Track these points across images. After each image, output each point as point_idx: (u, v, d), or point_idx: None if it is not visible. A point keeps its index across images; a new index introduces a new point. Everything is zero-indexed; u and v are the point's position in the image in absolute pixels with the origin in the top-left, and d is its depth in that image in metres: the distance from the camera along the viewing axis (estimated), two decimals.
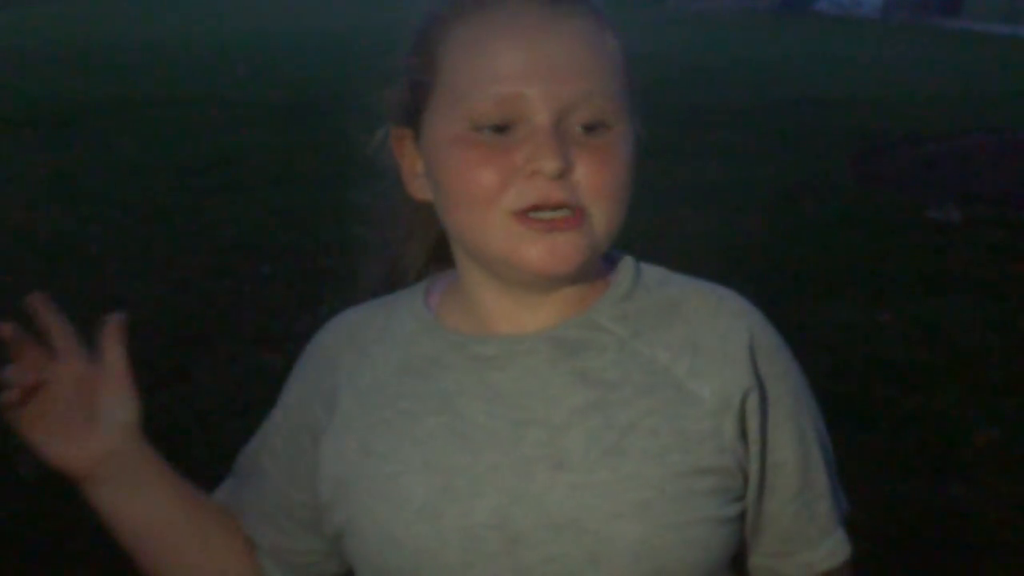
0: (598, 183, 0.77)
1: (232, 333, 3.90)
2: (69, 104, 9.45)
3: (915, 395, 3.40)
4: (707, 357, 0.82)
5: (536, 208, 0.76)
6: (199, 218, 5.73)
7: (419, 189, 0.84)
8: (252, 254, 4.87)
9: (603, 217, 0.78)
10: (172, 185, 6.57)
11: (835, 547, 0.87)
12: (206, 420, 3.20)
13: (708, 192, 5.76)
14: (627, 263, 0.86)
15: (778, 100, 10.46)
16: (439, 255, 0.91)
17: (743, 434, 0.81)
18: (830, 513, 0.87)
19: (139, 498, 0.87)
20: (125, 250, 5.06)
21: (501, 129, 0.77)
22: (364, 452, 0.82)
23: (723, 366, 0.82)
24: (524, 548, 0.76)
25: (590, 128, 0.78)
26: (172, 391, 3.42)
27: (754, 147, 7.51)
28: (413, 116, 0.82)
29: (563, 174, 0.76)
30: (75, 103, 9.50)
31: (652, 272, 0.87)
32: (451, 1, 0.81)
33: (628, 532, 0.76)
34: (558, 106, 0.76)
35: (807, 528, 0.85)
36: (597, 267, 0.84)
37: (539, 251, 0.76)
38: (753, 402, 0.82)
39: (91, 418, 0.84)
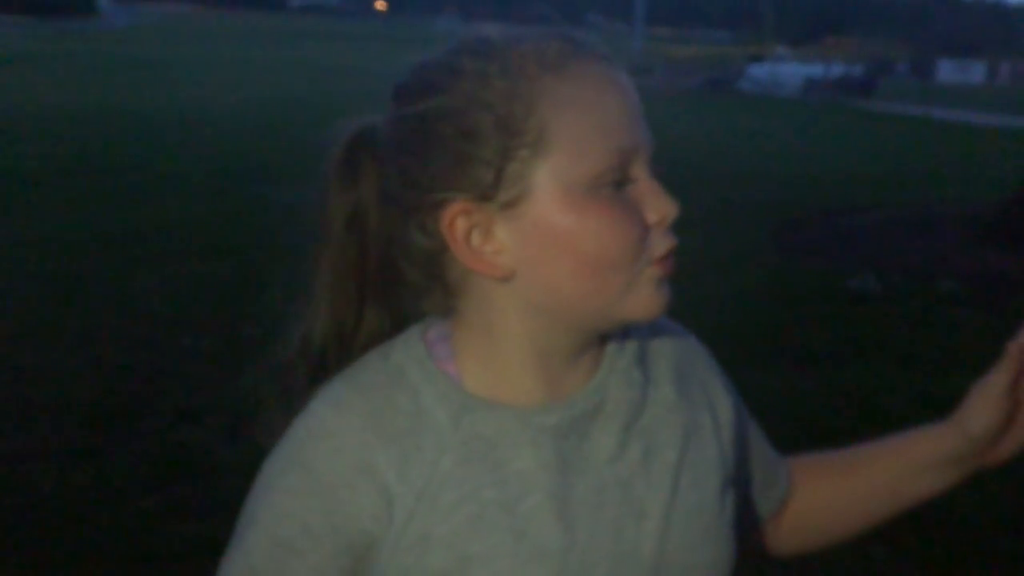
0: None
1: (150, 408, 3.79)
2: None
3: None
4: (692, 385, 0.88)
5: (667, 256, 0.77)
6: (119, 290, 5.61)
7: (495, 265, 0.75)
8: (173, 326, 4.77)
9: None
10: (92, 256, 6.43)
11: (787, 473, 1.00)
12: (121, 498, 3.09)
13: None
14: None
15: (704, 174, 10.72)
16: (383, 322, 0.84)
17: (736, 439, 0.90)
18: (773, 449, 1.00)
19: None
20: (40, 324, 4.91)
21: (619, 184, 0.74)
22: (458, 559, 0.74)
23: (706, 390, 0.89)
24: None
25: None
26: (85, 468, 3.30)
27: (681, 219, 7.65)
28: (496, 187, 0.73)
29: None
30: None
31: None
32: (534, 58, 0.74)
33: (704, 558, 0.82)
34: (650, 155, 0.77)
35: (774, 466, 0.98)
36: None
37: (664, 295, 0.77)
38: (734, 409, 0.91)
39: None
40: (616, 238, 0.74)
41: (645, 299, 0.76)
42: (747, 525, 0.95)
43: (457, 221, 0.74)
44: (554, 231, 0.73)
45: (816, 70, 30.87)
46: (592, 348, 0.81)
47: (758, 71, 31.91)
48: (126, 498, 3.09)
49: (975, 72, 40.81)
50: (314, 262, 0.83)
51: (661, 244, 0.76)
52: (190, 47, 29.49)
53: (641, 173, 0.76)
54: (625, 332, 0.84)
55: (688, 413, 0.85)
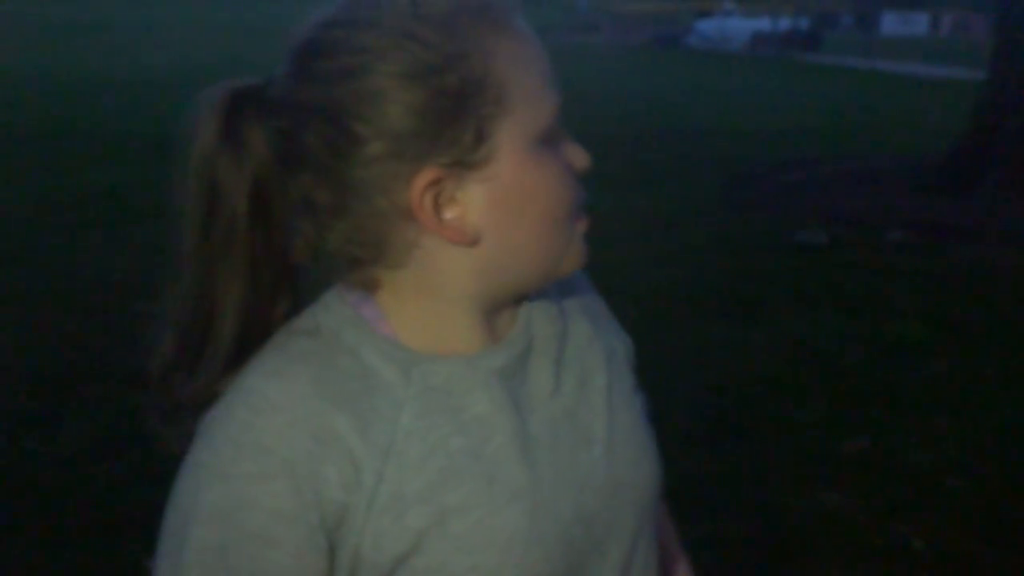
0: None
1: (102, 374, 3.74)
2: None
3: (788, 408, 3.52)
4: (600, 318, 0.92)
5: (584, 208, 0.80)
6: (67, 256, 5.51)
7: (461, 231, 0.73)
8: (124, 292, 4.70)
9: None
10: (38, 223, 6.31)
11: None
12: (73, 465, 3.06)
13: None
14: None
15: (653, 131, 10.76)
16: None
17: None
18: None
19: None
20: None
21: (553, 139, 0.76)
22: (436, 513, 0.72)
23: (607, 320, 0.93)
24: (596, 526, 0.80)
25: None
26: (38, 436, 3.26)
27: (631, 176, 7.70)
28: (472, 150, 0.71)
29: None
30: None
31: None
32: (476, 15, 0.72)
33: (645, 473, 0.85)
34: None
35: None
36: None
37: (586, 247, 0.80)
38: (628, 340, 0.95)
39: None
40: (567, 189, 0.75)
41: (577, 252, 0.78)
42: None
43: (427, 189, 0.71)
44: (520, 189, 0.73)
45: (763, 24, 30.93)
46: None
47: (706, 26, 31.91)
48: (79, 465, 3.06)
49: (918, 24, 41.26)
50: (202, 259, 0.75)
51: (581, 195, 0.78)
52: (132, 9, 28.72)
53: (558, 125, 0.77)
54: None
55: (603, 340, 0.88)
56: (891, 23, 38.62)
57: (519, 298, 0.81)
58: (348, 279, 0.77)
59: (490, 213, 0.73)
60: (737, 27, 30.87)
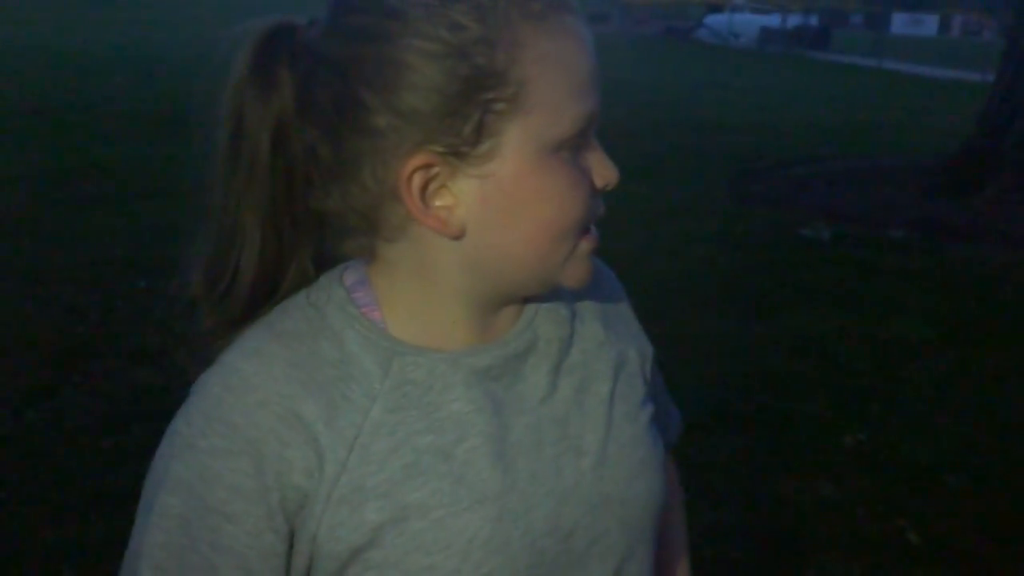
0: None
1: (105, 349, 3.76)
2: None
3: (788, 401, 3.54)
4: (619, 324, 0.88)
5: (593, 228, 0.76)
6: (69, 231, 5.52)
7: (446, 222, 0.70)
8: (127, 268, 4.71)
9: None
10: (40, 197, 6.30)
11: (679, 421, 1.01)
12: (76, 439, 3.07)
13: None
14: None
15: (661, 122, 10.75)
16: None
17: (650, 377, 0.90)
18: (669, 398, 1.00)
19: None
20: None
21: (578, 148, 0.72)
22: (395, 510, 0.71)
23: (628, 326, 0.90)
24: (575, 539, 0.77)
25: None
26: (40, 409, 3.27)
27: (638, 166, 7.70)
28: (472, 143, 0.68)
29: None
30: None
31: None
32: (522, 3, 0.68)
33: (640, 488, 0.81)
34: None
35: (666, 414, 0.97)
36: None
37: (591, 266, 0.76)
38: (651, 348, 0.91)
39: None
40: (575, 203, 0.71)
41: (580, 270, 0.75)
42: None
43: (417, 173, 0.69)
44: (518, 193, 0.70)
45: (772, 20, 30.85)
46: None
47: (715, 20, 31.83)
48: (83, 439, 3.07)
49: (928, 25, 41.23)
50: (226, 190, 0.74)
51: (595, 211, 0.74)
52: None
53: (592, 135, 0.73)
54: None
55: (616, 347, 0.84)
56: (901, 23, 38.56)
57: (516, 300, 0.78)
58: (347, 245, 0.76)
59: (480, 211, 0.70)
60: (746, 22, 30.78)
